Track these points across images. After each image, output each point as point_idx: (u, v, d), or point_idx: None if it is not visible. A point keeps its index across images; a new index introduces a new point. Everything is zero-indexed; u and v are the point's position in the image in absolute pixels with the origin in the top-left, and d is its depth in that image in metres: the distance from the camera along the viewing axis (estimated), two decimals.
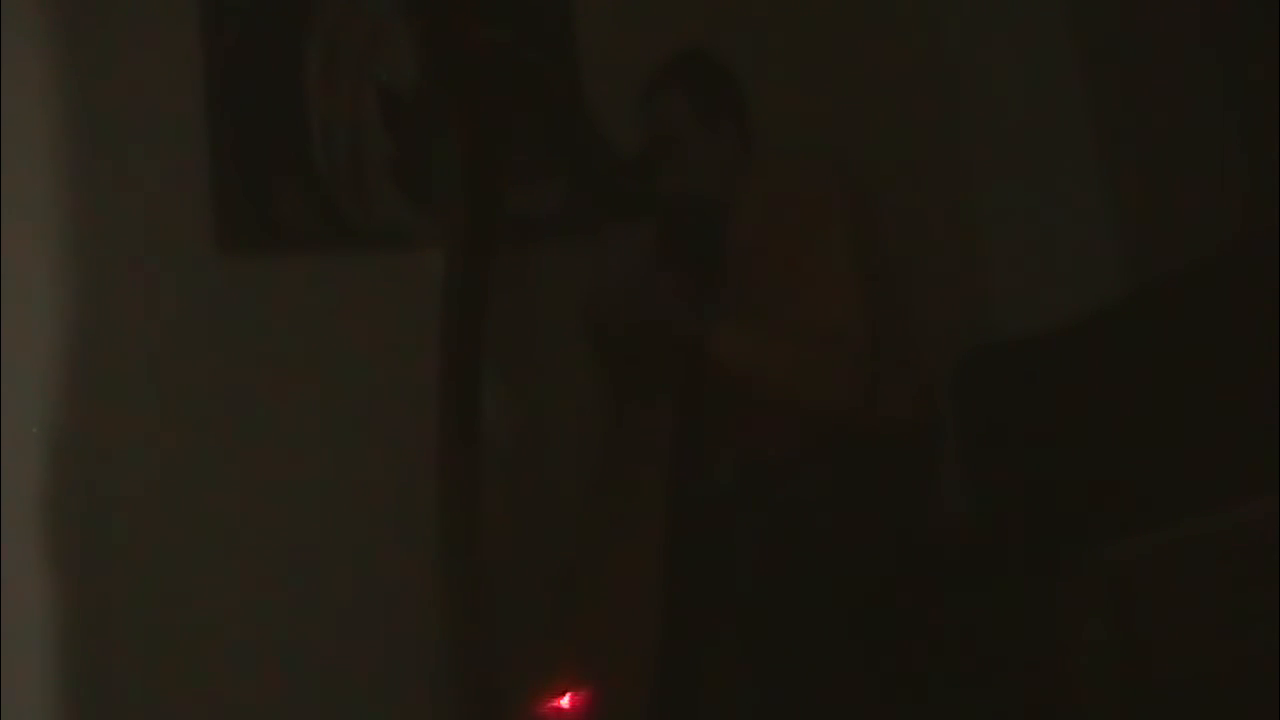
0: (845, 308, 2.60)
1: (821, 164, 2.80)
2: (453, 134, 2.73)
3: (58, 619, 2.79)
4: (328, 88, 3.10)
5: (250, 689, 2.85)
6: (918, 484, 2.73)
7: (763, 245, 2.72)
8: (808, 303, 2.62)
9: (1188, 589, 2.34)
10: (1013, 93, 3.50)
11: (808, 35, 3.46)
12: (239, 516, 2.91)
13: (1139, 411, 2.75)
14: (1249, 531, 2.27)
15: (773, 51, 3.32)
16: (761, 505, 2.66)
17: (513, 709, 2.56)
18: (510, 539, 2.80)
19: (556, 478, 3.03)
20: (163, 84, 3.00)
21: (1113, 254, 3.26)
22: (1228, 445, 2.54)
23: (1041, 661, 2.49)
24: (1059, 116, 3.37)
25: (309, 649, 2.90)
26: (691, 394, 2.73)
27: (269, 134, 3.05)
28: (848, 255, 2.64)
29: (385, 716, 2.90)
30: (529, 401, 3.11)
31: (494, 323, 2.64)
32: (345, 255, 3.08)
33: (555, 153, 2.83)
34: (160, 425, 2.90)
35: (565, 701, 2.55)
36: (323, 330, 3.04)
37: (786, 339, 2.63)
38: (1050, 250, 3.39)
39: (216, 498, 2.91)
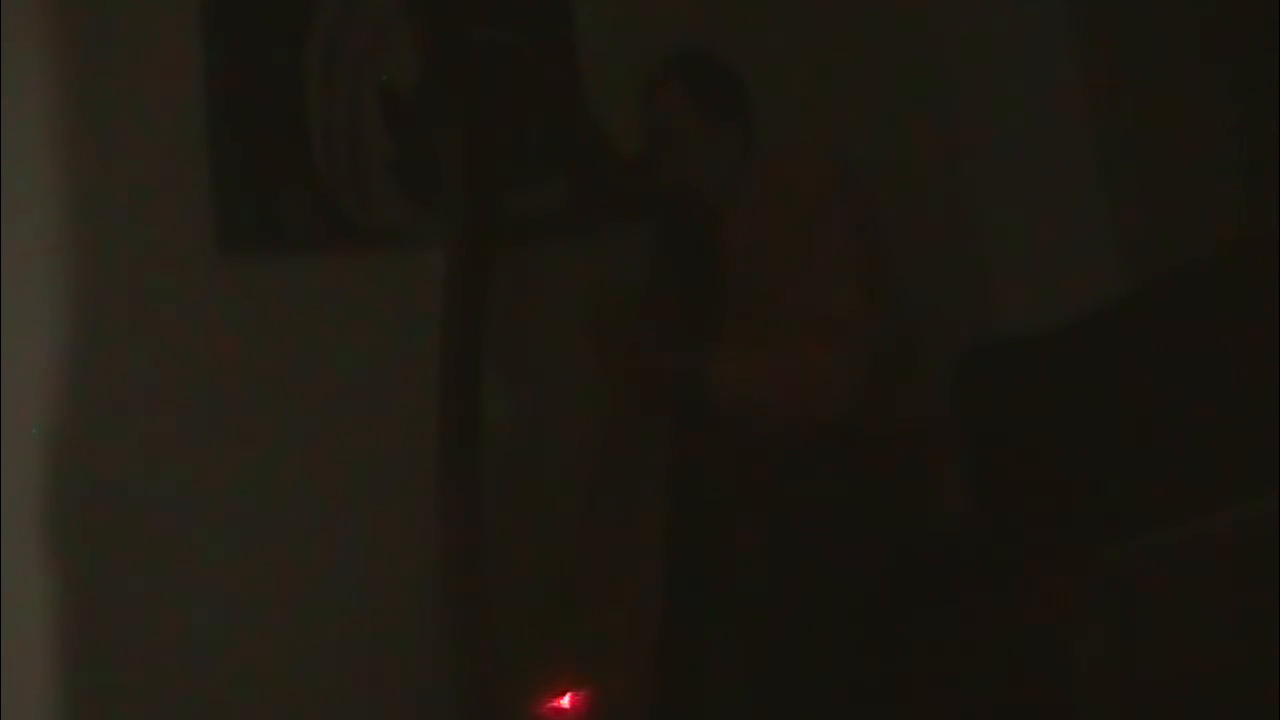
0: (844, 307, 2.60)
1: (821, 163, 2.80)
2: (453, 134, 2.73)
3: (58, 618, 2.79)
4: (328, 88, 3.10)
5: (250, 689, 2.85)
6: (917, 484, 2.73)
7: (762, 244, 2.72)
8: (807, 302, 2.62)
9: (1188, 589, 2.34)
10: (1013, 93, 3.50)
11: (808, 35, 3.45)
12: (239, 517, 2.91)
13: (1139, 411, 2.75)
14: (1249, 531, 2.27)
15: (773, 51, 3.32)
16: (762, 505, 2.66)
17: (513, 709, 2.56)
18: (511, 539, 2.80)
19: (557, 478, 3.03)
20: (163, 84, 3.00)
21: (1113, 254, 3.26)
22: (1228, 445, 2.54)
23: (1041, 661, 2.49)
24: (1059, 117, 3.37)
25: (309, 649, 2.90)
26: (692, 395, 2.73)
27: (269, 134, 3.05)
28: (847, 255, 2.64)
29: (385, 717, 2.90)
30: (529, 401, 3.11)
31: (494, 323, 2.64)
32: (345, 255, 3.08)
33: (555, 153, 2.83)
34: (160, 426, 2.90)
35: (565, 701, 2.55)
36: (323, 330, 3.04)
37: (782, 357, 2.62)
38: (1050, 250, 3.39)
39: (217, 498, 2.91)
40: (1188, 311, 2.77)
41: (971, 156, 3.59)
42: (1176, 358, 2.72)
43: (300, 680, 2.88)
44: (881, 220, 2.77)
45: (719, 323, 2.77)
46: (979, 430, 3.12)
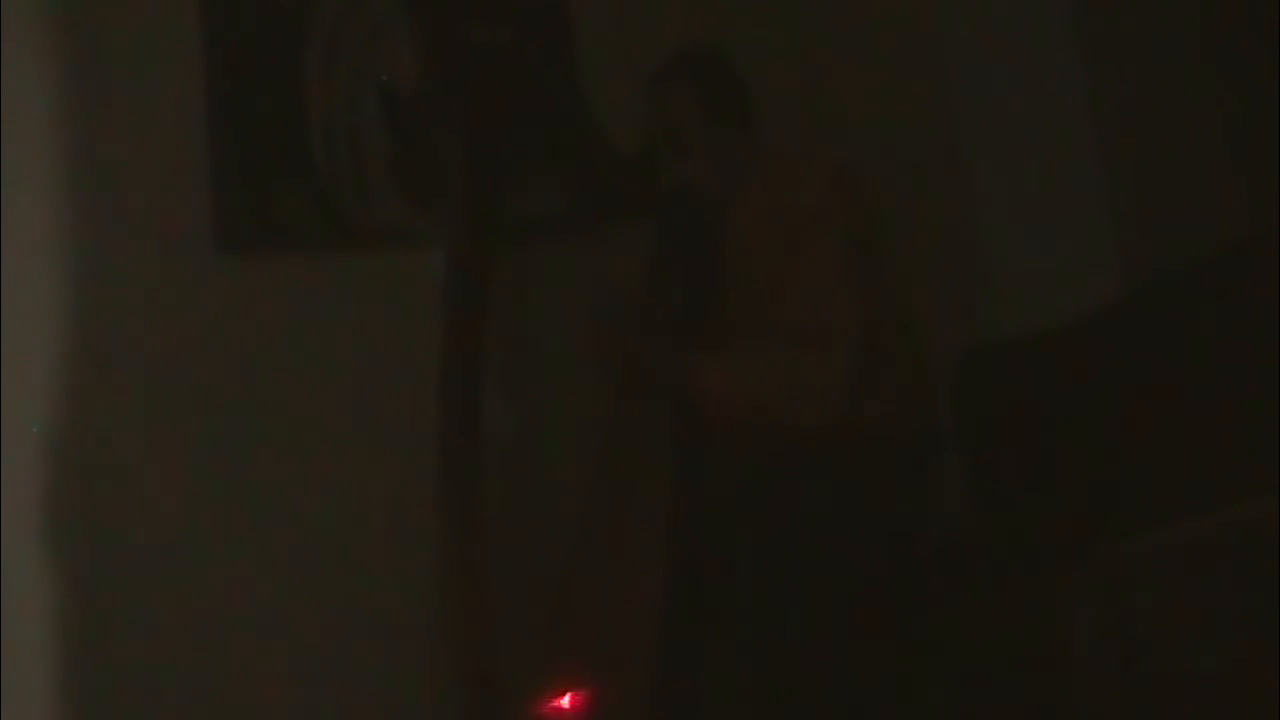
0: (842, 309, 2.60)
1: (822, 165, 2.80)
2: (453, 134, 2.73)
3: (58, 619, 2.79)
4: (328, 88, 3.10)
5: (250, 689, 2.85)
6: (918, 485, 2.73)
7: (761, 246, 2.71)
8: (805, 304, 2.61)
9: (1187, 589, 2.34)
10: (1013, 93, 3.50)
11: (809, 36, 3.45)
12: (239, 516, 2.91)
13: (1139, 411, 2.75)
14: (1249, 531, 2.27)
15: (774, 52, 3.32)
16: (762, 505, 2.66)
17: (513, 709, 2.56)
18: (510, 538, 2.80)
19: (556, 478, 3.03)
20: (163, 84, 3.00)
21: (1113, 254, 3.26)
22: (1228, 445, 2.54)
23: (1040, 661, 2.49)
24: (1059, 117, 3.37)
25: (309, 649, 2.90)
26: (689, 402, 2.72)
27: (269, 134, 3.05)
28: (846, 256, 2.64)
29: (385, 716, 2.90)
30: (529, 401, 3.11)
31: (494, 323, 2.64)
32: (345, 255, 3.08)
33: (555, 153, 2.83)
34: (160, 425, 2.90)
35: (565, 701, 2.55)
36: (323, 330, 3.04)
37: (772, 367, 2.61)
38: (1050, 250, 3.39)
39: (216, 498, 2.91)
40: (1188, 311, 2.77)
41: (971, 157, 3.59)
42: (1176, 358, 2.72)
43: (300, 680, 2.88)
44: (881, 222, 2.77)
45: (718, 325, 2.77)
46: (978, 431, 3.12)
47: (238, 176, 3.02)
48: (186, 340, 2.95)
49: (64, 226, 2.91)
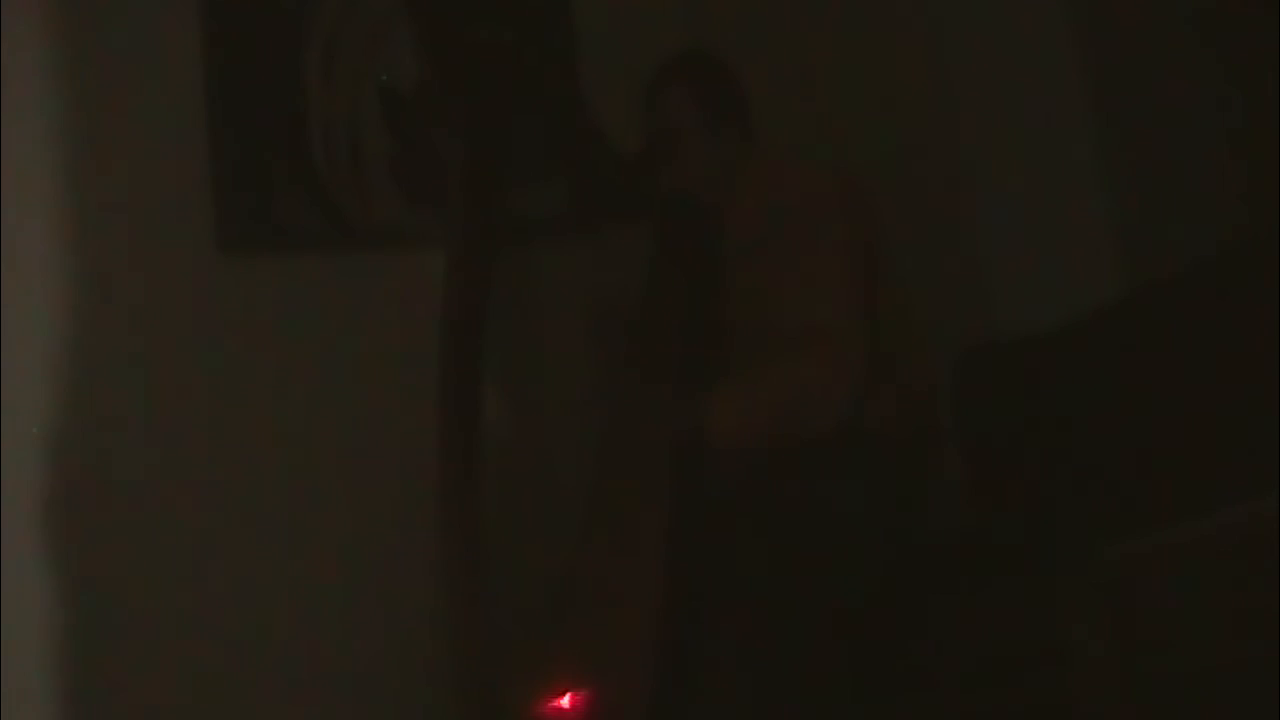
0: (844, 310, 2.60)
1: (821, 167, 2.80)
2: (453, 134, 2.73)
3: (58, 619, 2.79)
4: (328, 88, 3.10)
5: (250, 689, 2.85)
6: (918, 484, 2.73)
7: (760, 248, 2.71)
8: (806, 306, 2.61)
9: (1188, 589, 2.34)
10: (1013, 94, 3.50)
11: (808, 37, 3.46)
12: (239, 517, 2.91)
13: (1139, 411, 2.75)
14: (1249, 531, 2.27)
15: (773, 53, 3.32)
16: (761, 505, 2.66)
17: (513, 709, 2.56)
18: (510, 539, 2.80)
19: (556, 478, 3.03)
20: (163, 84, 3.00)
21: (1113, 254, 3.26)
22: (1228, 445, 2.54)
23: (1041, 662, 2.49)
24: (1059, 117, 3.38)
25: (309, 649, 2.90)
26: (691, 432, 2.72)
27: (269, 134, 3.05)
28: (846, 257, 2.64)
29: (385, 716, 2.90)
30: (529, 401, 3.11)
31: (494, 323, 2.64)
32: (345, 255, 3.09)
33: (555, 153, 2.83)
34: (160, 426, 2.90)
35: (565, 701, 2.55)
36: (323, 330, 3.04)
37: (777, 389, 2.61)
38: (1050, 250, 3.39)
39: (216, 498, 2.91)
40: (1187, 311, 2.77)
41: (972, 157, 3.59)
42: (1176, 358, 2.73)
43: (300, 680, 2.88)
44: (881, 223, 2.77)
45: (718, 327, 2.77)
46: (978, 431, 3.12)
47: (238, 176, 3.02)
48: (187, 340, 2.95)
49: (64, 226, 2.91)
